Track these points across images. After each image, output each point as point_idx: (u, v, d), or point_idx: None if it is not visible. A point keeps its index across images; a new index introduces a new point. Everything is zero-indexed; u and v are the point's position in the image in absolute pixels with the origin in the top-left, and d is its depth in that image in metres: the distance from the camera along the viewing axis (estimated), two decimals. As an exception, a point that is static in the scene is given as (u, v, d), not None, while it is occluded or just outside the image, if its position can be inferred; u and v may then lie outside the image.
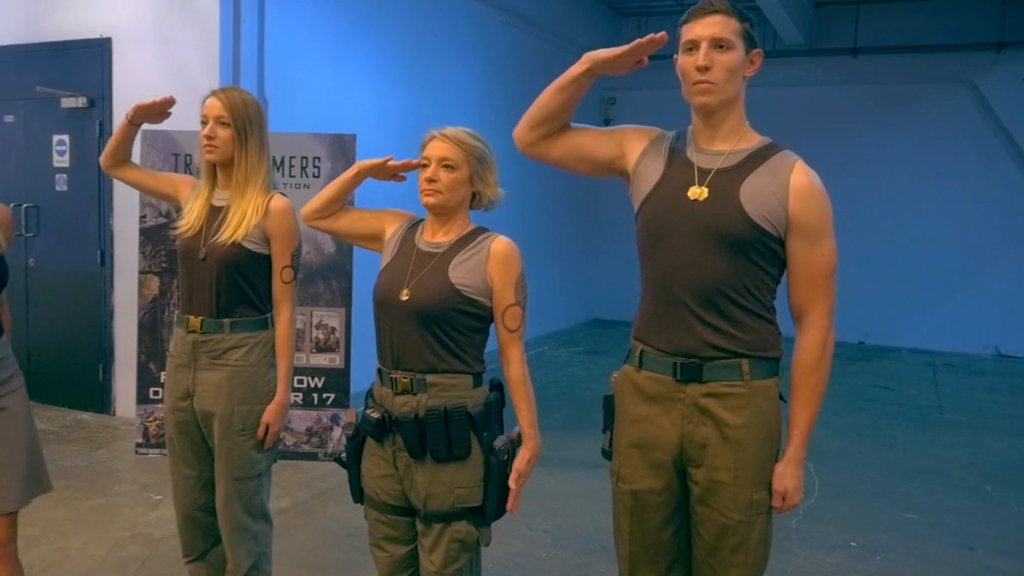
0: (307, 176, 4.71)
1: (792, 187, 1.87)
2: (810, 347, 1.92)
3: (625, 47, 1.86)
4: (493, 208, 2.25)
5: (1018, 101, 8.71)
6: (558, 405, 6.29)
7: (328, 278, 4.77)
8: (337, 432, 4.75)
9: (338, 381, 4.79)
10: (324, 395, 4.77)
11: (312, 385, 4.75)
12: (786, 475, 1.93)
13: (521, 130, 2.07)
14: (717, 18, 1.86)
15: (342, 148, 4.75)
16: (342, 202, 2.29)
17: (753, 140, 1.96)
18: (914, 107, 9.12)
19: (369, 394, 2.22)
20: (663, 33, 1.81)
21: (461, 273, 2.10)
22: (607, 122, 9.91)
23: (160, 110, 2.60)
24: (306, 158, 4.71)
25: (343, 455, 2.26)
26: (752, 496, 1.91)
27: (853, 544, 3.87)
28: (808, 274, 1.90)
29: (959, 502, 4.51)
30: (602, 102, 10.26)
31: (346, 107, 5.99)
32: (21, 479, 2.41)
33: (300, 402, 4.71)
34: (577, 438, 5.13)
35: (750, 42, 1.90)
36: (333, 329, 4.75)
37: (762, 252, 1.89)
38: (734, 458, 1.89)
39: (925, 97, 9.08)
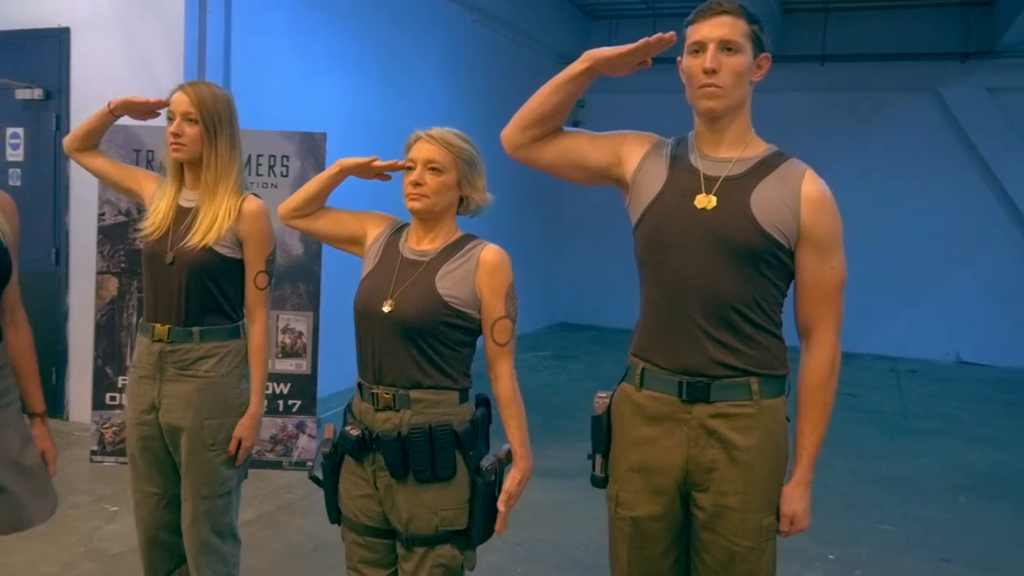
0: (275, 175, 4.55)
1: (804, 197, 1.79)
2: (819, 365, 1.84)
3: (630, 46, 1.75)
4: (481, 213, 2.15)
5: (981, 111, 8.82)
6: (527, 412, 6.17)
7: (295, 281, 4.61)
8: (303, 440, 4.60)
9: (305, 387, 4.64)
10: (290, 402, 4.62)
11: (278, 391, 4.59)
12: (794, 498, 1.86)
13: (511, 132, 1.96)
14: (726, 19, 1.77)
15: (312, 147, 4.60)
16: (322, 201, 2.16)
17: (760, 147, 1.88)
18: (879, 115, 9.19)
19: (348, 409, 2.10)
20: (671, 33, 1.72)
21: (449, 283, 1.98)
22: (576, 125, 9.82)
23: (149, 109, 2.48)
24: (274, 156, 4.55)
25: (317, 472, 2.13)
26: (761, 521, 1.83)
27: (831, 557, 3.82)
28: (817, 288, 1.82)
29: (933, 513, 4.50)
30: (571, 105, 10.18)
31: (316, 104, 5.82)
32: (23, 500, 2.20)
33: (265, 409, 4.55)
34: (548, 446, 5.01)
35: (758, 45, 1.82)
36: (300, 334, 4.60)
37: (772, 264, 1.80)
38: (743, 482, 1.80)
39: (890, 105, 9.16)
